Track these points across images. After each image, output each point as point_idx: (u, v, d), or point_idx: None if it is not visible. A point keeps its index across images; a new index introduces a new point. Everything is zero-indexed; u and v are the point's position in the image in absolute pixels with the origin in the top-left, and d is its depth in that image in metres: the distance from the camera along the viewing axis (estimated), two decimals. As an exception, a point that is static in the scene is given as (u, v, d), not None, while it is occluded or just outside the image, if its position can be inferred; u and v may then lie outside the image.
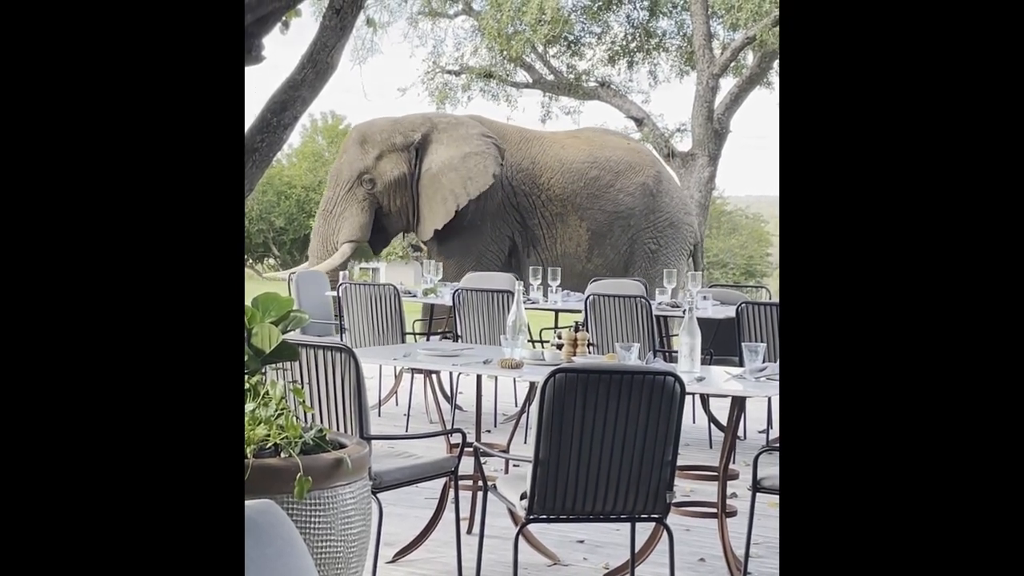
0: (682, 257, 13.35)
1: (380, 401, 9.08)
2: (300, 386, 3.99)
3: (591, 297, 7.92)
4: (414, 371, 8.32)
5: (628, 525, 4.74)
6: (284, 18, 6.94)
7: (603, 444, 4.01)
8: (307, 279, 9.70)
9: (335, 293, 8.86)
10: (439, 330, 10.34)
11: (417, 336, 9.25)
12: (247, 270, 17.76)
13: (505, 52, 18.47)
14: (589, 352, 5.47)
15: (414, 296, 9.36)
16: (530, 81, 19.49)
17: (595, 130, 14.49)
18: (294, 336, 4.52)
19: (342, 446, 3.38)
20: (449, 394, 8.76)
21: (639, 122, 18.49)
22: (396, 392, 9.23)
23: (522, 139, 13.22)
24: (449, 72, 19.75)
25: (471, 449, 4.72)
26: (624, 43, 19.27)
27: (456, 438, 4.98)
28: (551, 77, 19.25)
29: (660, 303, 8.60)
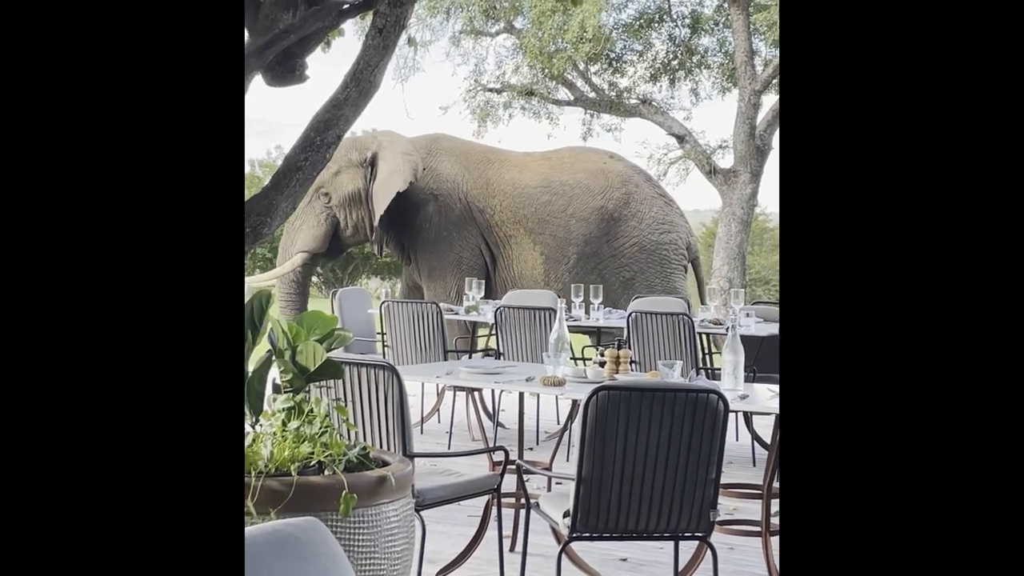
0: (672, 278, 12.95)
1: (422, 418, 9.09)
2: (343, 404, 4.01)
3: (633, 315, 7.90)
4: (456, 388, 8.33)
5: (672, 543, 4.72)
6: (327, 37, 6.98)
7: (646, 462, 4.00)
8: (350, 296, 9.73)
9: (378, 311, 8.89)
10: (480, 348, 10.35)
11: (459, 353, 9.26)
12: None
13: (546, 70, 18.49)
14: (632, 370, 5.46)
15: (456, 313, 9.38)
16: (571, 99, 19.49)
17: (573, 150, 14.13)
18: (337, 353, 4.53)
19: (385, 464, 3.39)
20: (491, 411, 8.76)
21: (680, 139, 18.45)
22: (438, 409, 9.24)
23: (483, 160, 13.38)
24: (490, 90, 19.80)
25: (514, 467, 4.71)
26: (666, 60, 19.25)
27: (499, 456, 4.98)
28: (592, 95, 19.25)
29: (702, 320, 8.57)
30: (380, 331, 9.14)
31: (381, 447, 4.27)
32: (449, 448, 8.12)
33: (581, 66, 18.95)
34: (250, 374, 3.26)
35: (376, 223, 12.75)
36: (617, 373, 5.26)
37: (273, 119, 57.59)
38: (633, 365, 6.22)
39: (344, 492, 3.06)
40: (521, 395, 5.61)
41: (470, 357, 9.11)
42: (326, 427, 3.16)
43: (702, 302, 12.33)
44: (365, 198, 12.92)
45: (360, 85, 6.41)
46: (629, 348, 6.76)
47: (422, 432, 8.87)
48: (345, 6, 6.51)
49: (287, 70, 6.69)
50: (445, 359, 8.21)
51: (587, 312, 9.29)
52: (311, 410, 3.17)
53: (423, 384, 9.36)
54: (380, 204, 12.64)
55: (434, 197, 12.95)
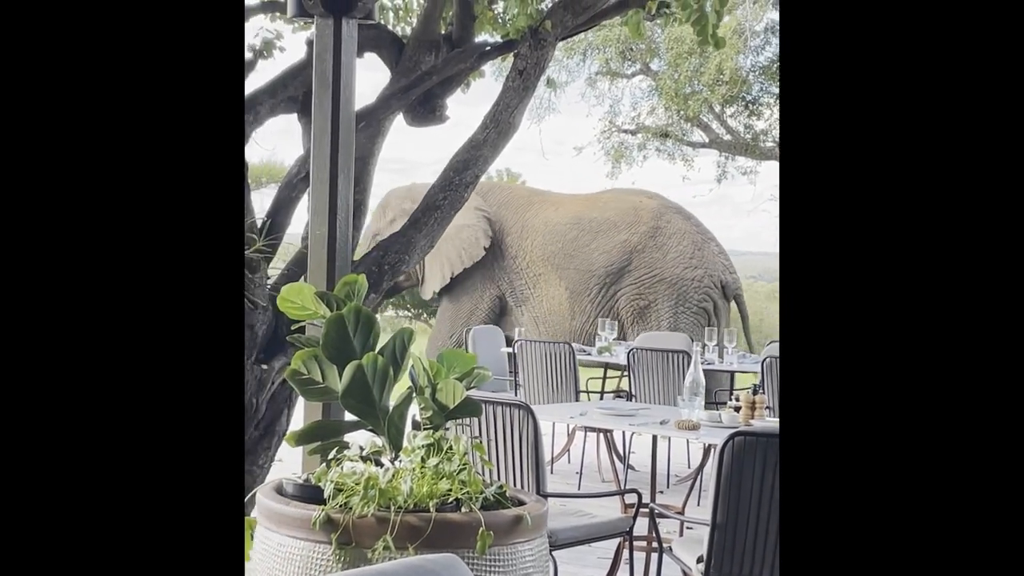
0: (689, 314, 12.74)
1: (552, 458, 9.09)
2: (480, 441, 4.04)
3: (768, 360, 7.82)
4: (587, 429, 8.32)
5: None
6: (467, 78, 7.07)
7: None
8: (483, 334, 9.81)
9: (511, 349, 8.94)
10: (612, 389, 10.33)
11: (590, 394, 9.25)
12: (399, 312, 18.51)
13: (682, 112, 18.47)
14: (767, 415, 5.41)
15: (588, 354, 9.38)
16: (706, 141, 19.43)
17: (615, 191, 14.30)
18: (472, 391, 4.57)
19: (521, 503, 3.41)
20: (621, 453, 8.73)
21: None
22: (568, 450, 9.24)
23: (525, 202, 13.63)
24: (625, 131, 19.83)
25: (646, 510, 4.70)
26: (803, 103, 19.06)
27: (631, 498, 4.96)
28: (728, 137, 19.16)
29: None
30: (511, 369, 9.19)
31: (514, 486, 4.29)
32: (579, 488, 8.11)
33: (717, 108, 18.89)
34: (391, 410, 3.31)
35: (448, 279, 13.15)
36: (752, 418, 5.21)
37: (409, 157, 58.21)
38: (768, 410, 6.15)
39: (481, 530, 3.08)
40: (654, 438, 5.59)
41: (601, 398, 9.10)
42: (464, 464, 3.20)
43: (747, 340, 12.57)
44: None
45: (499, 126, 6.48)
46: (764, 393, 6.68)
47: (552, 471, 8.86)
48: (487, 48, 6.60)
49: (428, 110, 6.79)
50: (577, 399, 8.22)
51: (720, 356, 9.22)
52: (450, 447, 3.21)
53: (553, 424, 9.38)
54: (456, 264, 13.05)
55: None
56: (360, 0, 3.42)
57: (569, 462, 9.16)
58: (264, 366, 5.85)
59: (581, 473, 8.51)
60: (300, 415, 6.00)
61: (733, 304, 13.15)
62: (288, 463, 6.04)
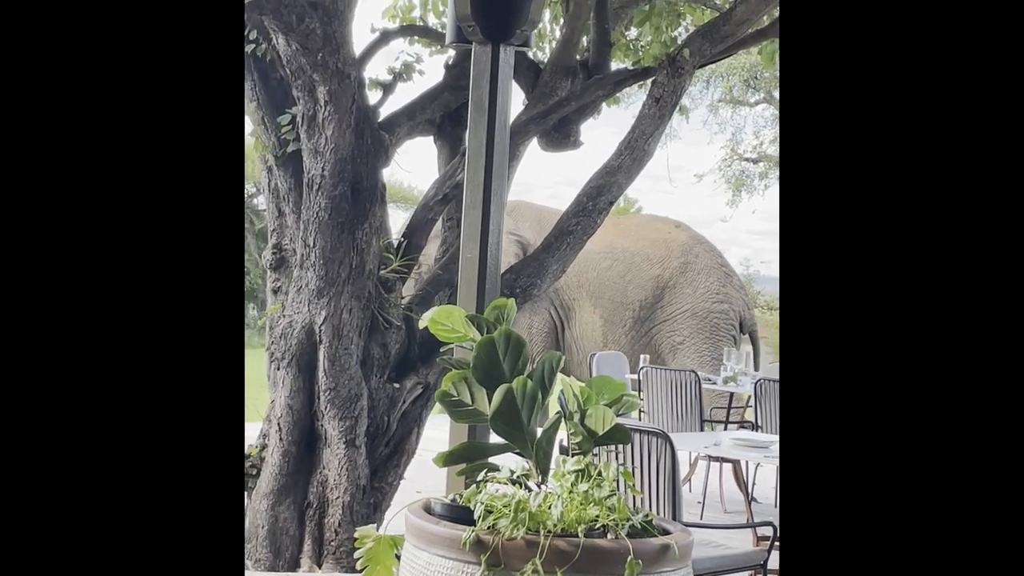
0: (720, 343, 13.10)
1: (674, 487, 9.03)
2: (627, 469, 4.03)
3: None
4: (711, 458, 8.26)
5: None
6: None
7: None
8: (607, 360, 9.80)
9: (636, 376, 8.92)
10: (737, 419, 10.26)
11: (713, 423, 9.19)
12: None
13: (806, 141, 18.28)
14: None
15: (713, 383, 9.32)
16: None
17: (642, 218, 14.70)
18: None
19: (666, 532, 3.39)
20: (746, 483, 8.66)
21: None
22: (690, 479, 9.18)
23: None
24: (747, 159, 19.72)
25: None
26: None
27: (764, 530, 4.92)
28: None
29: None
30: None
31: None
32: (701, 518, 8.05)
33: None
34: (539, 434, 3.33)
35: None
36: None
37: (529, 180, 58.49)
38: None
39: (630, 558, 3.07)
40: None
41: (725, 428, 9.03)
42: (613, 491, 3.19)
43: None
44: None
45: (634, 153, 6.50)
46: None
47: (673, 500, 8.81)
48: (625, 75, 6.62)
49: (563, 136, 6.84)
50: (701, 428, 8.17)
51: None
52: (599, 473, 3.21)
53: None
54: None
55: None
56: (519, 27, 3.45)
57: (690, 491, 9.10)
58: (396, 385, 5.92)
59: (704, 503, 8.44)
60: (428, 435, 6.06)
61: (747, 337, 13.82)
62: (411, 481, 6.10)
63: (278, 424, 5.64)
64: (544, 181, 51.66)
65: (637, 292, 13.37)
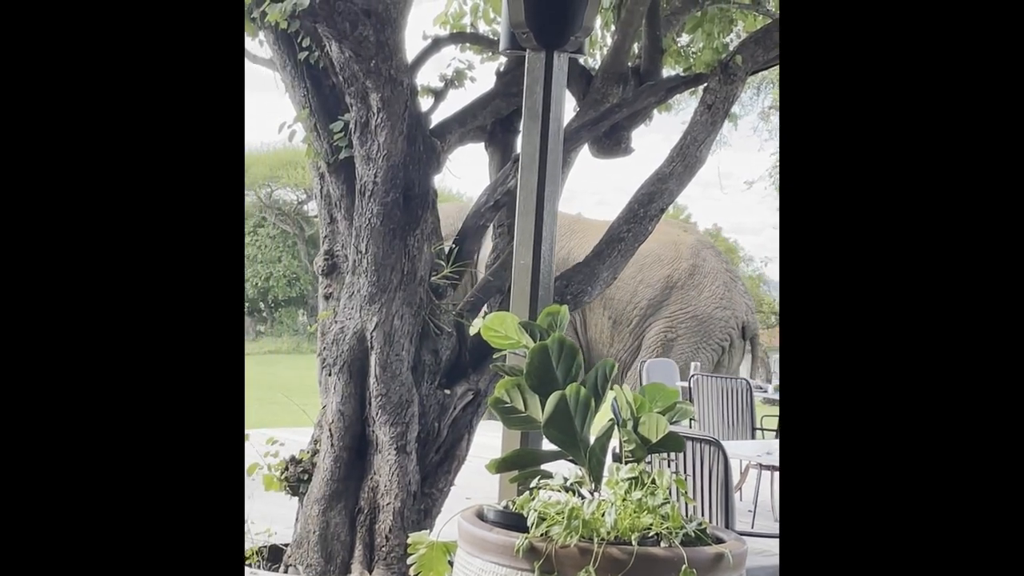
0: (708, 350, 13.31)
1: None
2: (681, 477, 4.02)
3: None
4: (762, 467, 8.22)
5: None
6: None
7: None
8: (657, 367, 9.77)
9: (686, 384, 8.89)
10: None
11: (764, 432, 9.13)
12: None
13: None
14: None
15: (764, 391, 9.28)
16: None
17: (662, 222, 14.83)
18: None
19: (719, 540, 3.37)
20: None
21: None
22: (741, 487, 9.13)
23: (567, 230, 13.86)
24: (798, 166, 19.62)
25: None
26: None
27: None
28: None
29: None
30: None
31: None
32: (752, 527, 8.00)
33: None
34: (592, 442, 3.32)
35: None
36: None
37: (573, 187, 58.43)
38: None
39: (684, 567, 3.06)
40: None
41: (776, 436, 8.97)
42: (666, 499, 3.18)
43: (756, 377, 13.13)
44: None
45: (686, 160, 6.47)
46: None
47: (723, 509, 8.77)
48: (677, 82, 6.60)
49: (614, 142, 6.81)
50: (752, 436, 8.12)
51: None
52: (653, 481, 3.20)
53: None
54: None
55: None
56: (573, 35, 3.45)
57: (741, 500, 9.04)
58: (447, 391, 5.92)
59: (754, 511, 8.39)
60: (478, 441, 6.06)
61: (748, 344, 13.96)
62: (461, 487, 6.10)
63: (329, 430, 5.66)
64: (588, 188, 51.64)
65: (647, 292, 13.59)
